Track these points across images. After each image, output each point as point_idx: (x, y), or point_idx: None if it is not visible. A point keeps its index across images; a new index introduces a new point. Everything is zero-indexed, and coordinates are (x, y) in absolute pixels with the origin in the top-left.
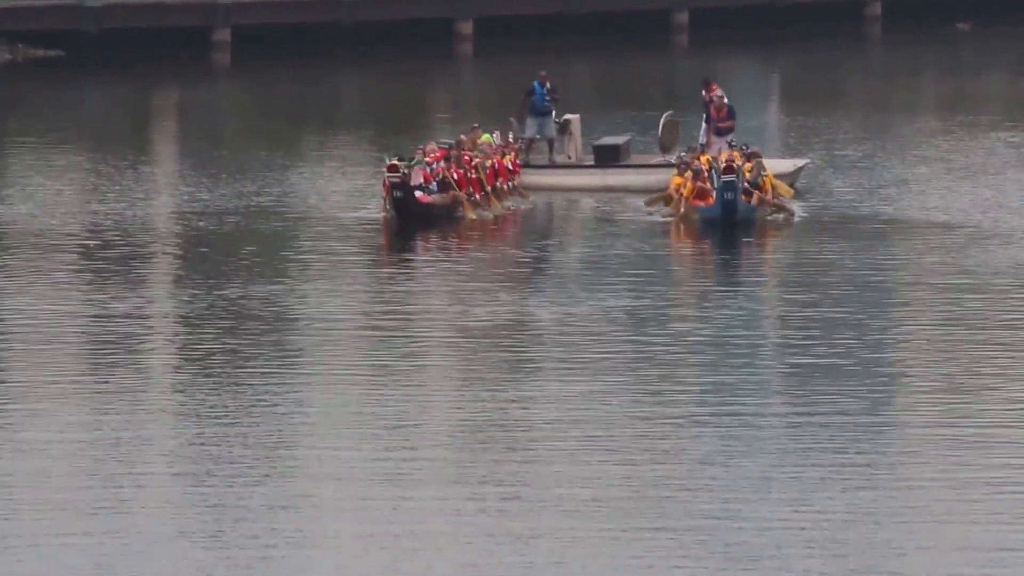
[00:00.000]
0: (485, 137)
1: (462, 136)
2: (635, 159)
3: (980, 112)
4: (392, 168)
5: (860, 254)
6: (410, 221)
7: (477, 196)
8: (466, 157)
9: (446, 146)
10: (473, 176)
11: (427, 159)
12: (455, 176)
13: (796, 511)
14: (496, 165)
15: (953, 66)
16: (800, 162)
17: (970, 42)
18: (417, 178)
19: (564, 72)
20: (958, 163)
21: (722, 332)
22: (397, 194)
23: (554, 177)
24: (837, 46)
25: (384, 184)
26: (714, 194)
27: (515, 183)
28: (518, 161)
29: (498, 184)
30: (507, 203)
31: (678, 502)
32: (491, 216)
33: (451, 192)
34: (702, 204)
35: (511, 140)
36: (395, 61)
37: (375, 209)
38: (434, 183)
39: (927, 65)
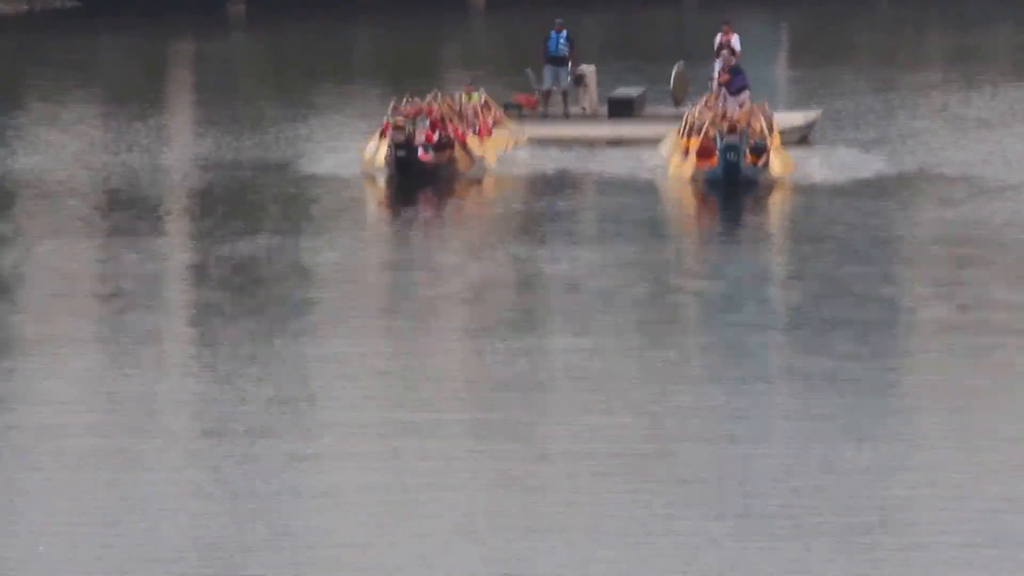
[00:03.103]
0: (474, 97)
1: (457, 94)
2: (649, 111)
3: (986, 65)
4: (399, 127)
5: (866, 207)
6: (410, 179)
7: (471, 154)
8: (468, 112)
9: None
10: (469, 132)
11: (407, 111)
12: (453, 134)
13: (809, 467)
14: (480, 124)
15: (959, 19)
16: (812, 114)
17: None
18: (421, 137)
19: (575, 24)
20: (964, 116)
21: (731, 286)
22: (400, 153)
23: (568, 129)
24: None
25: (381, 136)
26: (717, 154)
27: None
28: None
29: (484, 139)
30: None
31: (690, 456)
32: (489, 168)
33: (448, 151)
34: (705, 165)
35: (485, 100)
36: (408, 14)
37: (370, 165)
38: (434, 139)
39: (933, 18)
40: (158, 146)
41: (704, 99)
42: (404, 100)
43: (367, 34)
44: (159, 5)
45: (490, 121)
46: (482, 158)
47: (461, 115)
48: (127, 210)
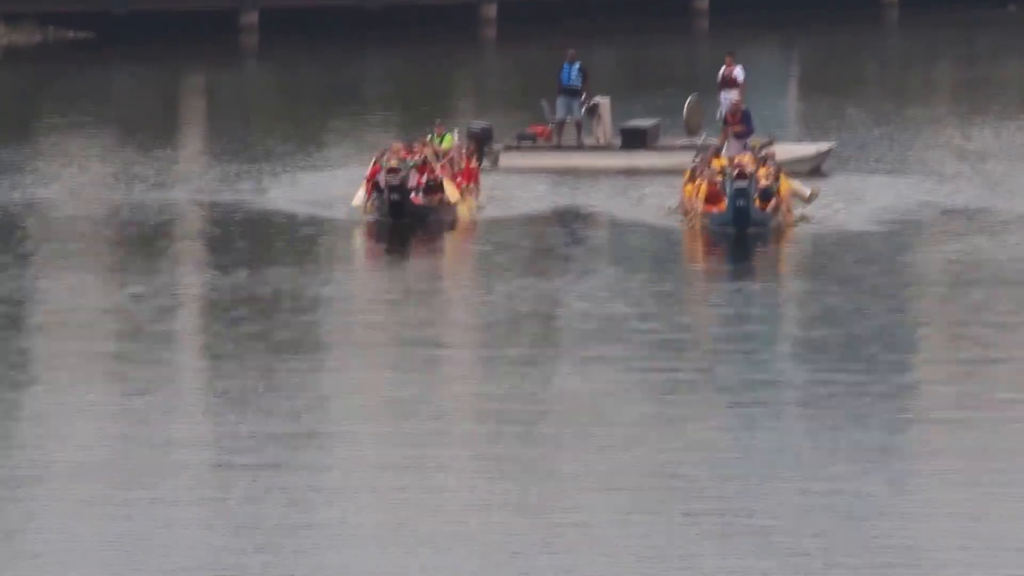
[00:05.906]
0: (447, 139)
1: (429, 135)
2: (662, 142)
3: (995, 98)
4: (392, 170)
5: (874, 240)
6: (403, 222)
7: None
8: (448, 157)
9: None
10: (456, 178)
11: (402, 156)
12: (439, 178)
13: (826, 502)
14: (464, 167)
15: (969, 51)
16: (824, 146)
17: (987, 28)
18: (414, 180)
19: (588, 56)
20: (971, 149)
21: (741, 320)
22: (395, 197)
23: (581, 160)
24: (855, 31)
25: (368, 182)
26: (726, 200)
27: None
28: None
29: (468, 186)
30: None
31: (705, 489)
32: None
33: (439, 193)
34: (714, 210)
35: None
36: (420, 45)
37: (354, 206)
38: (423, 183)
39: (943, 51)
40: (165, 179)
41: (706, 159)
42: (396, 144)
43: (379, 65)
44: (171, 36)
45: (471, 164)
46: (456, 205)
47: (439, 155)
48: (132, 243)
